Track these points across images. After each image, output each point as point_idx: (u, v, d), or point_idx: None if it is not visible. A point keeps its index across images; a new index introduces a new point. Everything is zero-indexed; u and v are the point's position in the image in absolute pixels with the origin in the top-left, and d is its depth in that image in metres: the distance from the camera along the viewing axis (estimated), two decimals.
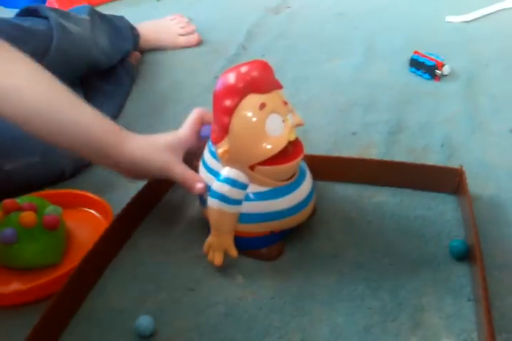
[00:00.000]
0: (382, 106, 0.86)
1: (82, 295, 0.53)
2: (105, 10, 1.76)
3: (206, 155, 0.54)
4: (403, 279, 0.52)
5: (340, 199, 0.64)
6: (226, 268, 0.54)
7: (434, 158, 0.71)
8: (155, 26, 1.15)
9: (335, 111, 0.86)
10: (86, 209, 0.65)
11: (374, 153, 0.73)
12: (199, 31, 1.20)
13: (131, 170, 0.57)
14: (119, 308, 0.51)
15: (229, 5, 1.16)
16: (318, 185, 0.66)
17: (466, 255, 0.53)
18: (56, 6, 1.64)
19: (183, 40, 1.14)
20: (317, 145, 0.76)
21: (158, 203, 0.66)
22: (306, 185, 0.54)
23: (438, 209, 0.61)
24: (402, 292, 0.50)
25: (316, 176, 0.59)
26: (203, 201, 0.55)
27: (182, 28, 1.15)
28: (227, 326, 0.48)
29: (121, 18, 1.09)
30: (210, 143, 0.53)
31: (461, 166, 0.62)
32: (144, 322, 0.47)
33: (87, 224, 0.63)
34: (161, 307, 0.51)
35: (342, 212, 0.62)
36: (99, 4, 1.82)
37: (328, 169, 0.66)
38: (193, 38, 1.15)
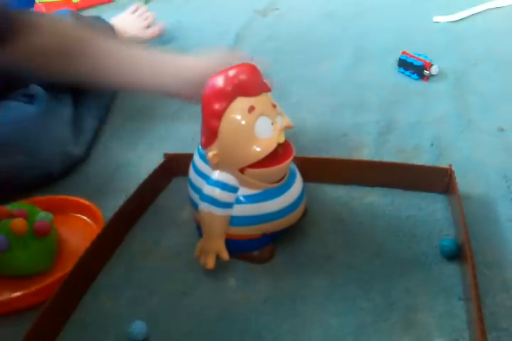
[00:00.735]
0: (372, 106, 0.87)
1: (75, 301, 0.53)
2: (94, 13, 1.75)
3: (196, 158, 0.54)
4: (395, 279, 0.52)
5: (331, 200, 0.65)
6: (218, 271, 0.54)
7: (424, 158, 0.71)
8: (122, 25, 1.13)
9: (325, 112, 0.87)
10: (77, 214, 0.65)
11: (364, 154, 0.73)
12: (188, 34, 1.21)
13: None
14: (111, 314, 0.51)
15: (217, 7, 1.16)
16: (308, 186, 0.66)
17: (456, 254, 0.53)
18: (43, 9, 1.63)
19: (148, 34, 1.14)
20: (307, 146, 0.76)
21: (149, 208, 0.66)
22: (297, 186, 0.54)
23: (428, 209, 0.61)
24: (394, 292, 0.50)
25: (307, 178, 0.59)
26: (194, 205, 0.55)
27: (145, 19, 1.15)
28: (220, 330, 0.48)
29: (99, 18, 1.09)
30: (199, 146, 0.54)
31: (450, 165, 0.62)
32: (137, 327, 0.47)
33: (79, 230, 0.62)
34: (153, 312, 0.51)
35: (333, 213, 0.62)
36: (85, 8, 1.81)
37: (319, 170, 0.67)
38: (156, 29, 1.14)
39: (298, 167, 0.57)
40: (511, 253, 0.54)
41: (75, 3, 1.77)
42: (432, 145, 0.75)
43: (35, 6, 1.67)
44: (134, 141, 0.83)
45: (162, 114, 0.89)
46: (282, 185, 0.52)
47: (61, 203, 0.65)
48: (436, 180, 0.63)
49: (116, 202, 0.61)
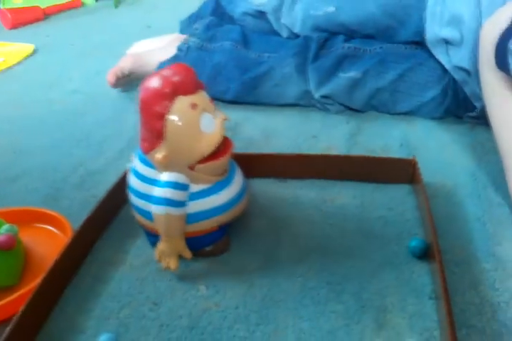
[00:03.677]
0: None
1: (43, 316, 0.51)
2: (61, 19, 1.73)
3: (137, 165, 0.53)
4: (366, 281, 0.52)
5: (302, 203, 0.64)
6: (189, 279, 0.54)
7: None
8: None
9: (294, 114, 0.87)
10: (43, 225, 0.63)
11: None
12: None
13: None
14: (80, 328, 0.49)
15: (186, 12, 1.16)
16: (280, 188, 0.66)
17: (426, 253, 0.54)
18: (9, 16, 1.60)
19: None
20: (278, 149, 0.76)
21: (118, 216, 0.65)
22: (239, 174, 0.57)
23: (398, 209, 0.62)
24: (365, 294, 0.50)
25: (276, 174, 0.62)
26: (141, 212, 0.54)
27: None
28: (192, 339, 0.47)
29: None
30: (139, 153, 0.53)
31: (414, 157, 0.64)
32: (106, 340, 0.46)
33: (45, 241, 0.61)
34: (124, 324, 0.49)
35: (304, 215, 0.62)
36: (53, 13, 1.79)
37: (287, 166, 0.68)
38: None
39: (267, 163, 0.61)
40: (479, 251, 0.54)
41: (43, 9, 1.74)
42: (402, 145, 0.75)
43: (0, 11, 1.64)
44: (102, 149, 0.82)
45: (131, 120, 0.88)
46: (228, 176, 0.54)
47: (25, 214, 0.63)
48: (400, 172, 0.65)
49: (85, 210, 0.60)
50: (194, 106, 0.48)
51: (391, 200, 0.63)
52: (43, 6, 1.75)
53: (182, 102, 0.48)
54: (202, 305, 0.51)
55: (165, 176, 0.51)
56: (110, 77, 1.00)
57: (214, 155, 0.51)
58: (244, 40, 0.93)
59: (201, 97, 0.50)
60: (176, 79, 0.47)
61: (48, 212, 0.63)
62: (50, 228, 0.63)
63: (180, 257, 0.54)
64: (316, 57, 0.85)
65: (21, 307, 0.47)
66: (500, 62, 0.57)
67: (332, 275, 0.53)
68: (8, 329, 0.45)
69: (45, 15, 1.74)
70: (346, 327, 0.47)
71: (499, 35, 0.57)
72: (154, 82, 0.48)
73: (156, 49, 1.03)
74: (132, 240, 0.60)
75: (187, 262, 0.56)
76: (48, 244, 0.60)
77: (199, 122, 0.49)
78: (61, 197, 0.70)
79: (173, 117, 0.47)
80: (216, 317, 0.49)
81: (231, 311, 0.50)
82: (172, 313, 0.50)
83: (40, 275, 0.51)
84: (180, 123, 0.48)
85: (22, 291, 0.51)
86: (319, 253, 0.56)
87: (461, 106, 0.80)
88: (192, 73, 0.49)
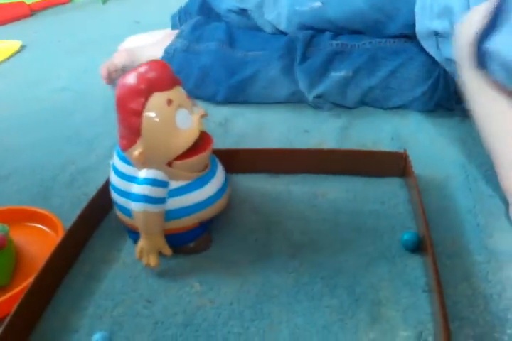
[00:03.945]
0: None
1: (36, 316, 0.51)
2: (48, 15, 1.71)
3: (117, 163, 0.53)
4: (359, 275, 0.52)
5: (294, 198, 0.64)
6: (182, 276, 0.54)
7: None
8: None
9: (287, 110, 0.87)
10: (34, 224, 0.63)
11: None
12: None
13: None
14: (74, 327, 0.49)
15: (175, 7, 1.15)
16: (272, 183, 0.66)
17: (418, 246, 0.54)
18: None
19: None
20: (270, 144, 0.76)
21: (110, 213, 0.64)
22: (220, 170, 0.56)
23: (390, 203, 0.62)
24: (359, 288, 0.50)
25: (268, 169, 0.62)
26: (122, 209, 0.54)
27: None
28: (187, 336, 0.47)
29: None
30: (118, 151, 0.53)
31: (405, 150, 0.64)
32: (100, 339, 0.46)
33: (37, 240, 0.60)
34: (118, 322, 0.49)
35: (297, 211, 0.62)
36: (40, 9, 1.77)
37: (279, 161, 0.68)
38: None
39: (258, 158, 0.60)
40: (471, 243, 0.55)
41: (29, 5, 1.72)
42: (392, 138, 0.76)
43: None
44: (93, 146, 0.82)
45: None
46: (208, 172, 0.54)
47: (16, 213, 0.63)
48: (392, 165, 0.65)
49: (76, 208, 0.60)
50: (169, 102, 0.48)
51: (383, 194, 0.63)
52: (28, 2, 1.72)
53: (157, 98, 0.47)
54: (196, 302, 0.51)
55: (143, 173, 0.51)
56: (103, 71, 0.99)
57: (192, 151, 0.50)
58: (230, 39, 0.92)
59: (177, 93, 0.49)
60: (151, 75, 0.47)
61: (39, 210, 0.62)
62: (42, 227, 0.62)
63: (175, 255, 0.54)
64: (304, 57, 0.84)
65: (14, 308, 0.47)
66: (478, 61, 0.57)
67: (325, 270, 0.53)
68: (0, 329, 0.45)
69: (32, 11, 1.72)
70: (340, 321, 0.47)
71: (475, 34, 0.57)
72: (130, 79, 0.47)
73: (147, 45, 1.03)
74: (124, 238, 0.60)
75: (179, 259, 0.56)
76: (39, 243, 0.60)
77: (175, 118, 0.48)
78: (52, 196, 0.70)
79: (148, 114, 0.47)
80: (211, 314, 0.49)
81: (225, 307, 0.50)
82: (166, 310, 0.50)
83: (32, 274, 0.51)
84: (155, 120, 0.48)
85: (14, 291, 0.51)
86: (312, 248, 0.56)
87: (453, 98, 0.80)
88: (168, 69, 0.49)
